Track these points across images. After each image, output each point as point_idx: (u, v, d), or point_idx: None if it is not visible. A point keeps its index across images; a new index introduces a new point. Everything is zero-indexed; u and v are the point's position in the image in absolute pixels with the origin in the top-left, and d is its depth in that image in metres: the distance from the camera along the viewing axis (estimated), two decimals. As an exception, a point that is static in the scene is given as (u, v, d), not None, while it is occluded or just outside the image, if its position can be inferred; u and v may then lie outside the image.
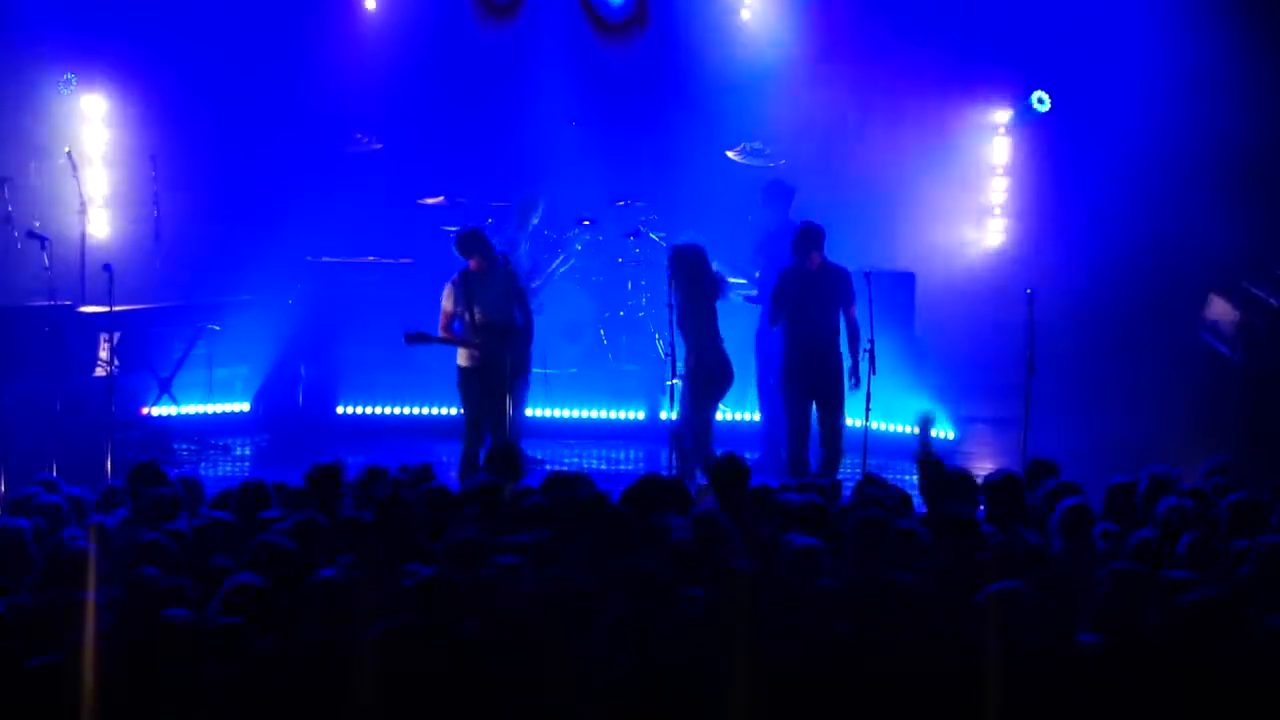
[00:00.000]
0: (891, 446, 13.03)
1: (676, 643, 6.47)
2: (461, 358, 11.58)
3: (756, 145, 14.93)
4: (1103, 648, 6.49)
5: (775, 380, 12.26)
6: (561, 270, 14.89)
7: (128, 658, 6.35)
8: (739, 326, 13.32)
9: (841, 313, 11.67)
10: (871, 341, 11.47)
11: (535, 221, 13.86)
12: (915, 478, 9.62)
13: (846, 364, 11.62)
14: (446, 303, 11.50)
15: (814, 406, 11.72)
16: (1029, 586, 6.71)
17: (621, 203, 14.84)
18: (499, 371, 11.45)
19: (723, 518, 7.81)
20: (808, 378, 11.67)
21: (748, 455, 13.09)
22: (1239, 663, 6.34)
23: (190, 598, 6.90)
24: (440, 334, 11.50)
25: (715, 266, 11.79)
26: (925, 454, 9.22)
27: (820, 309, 11.65)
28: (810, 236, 11.67)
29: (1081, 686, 6.32)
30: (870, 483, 8.97)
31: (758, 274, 13.39)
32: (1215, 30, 14.32)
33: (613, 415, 14.44)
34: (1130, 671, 6.35)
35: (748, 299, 13.41)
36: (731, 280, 12.73)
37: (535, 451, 12.93)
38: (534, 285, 13.63)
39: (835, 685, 6.34)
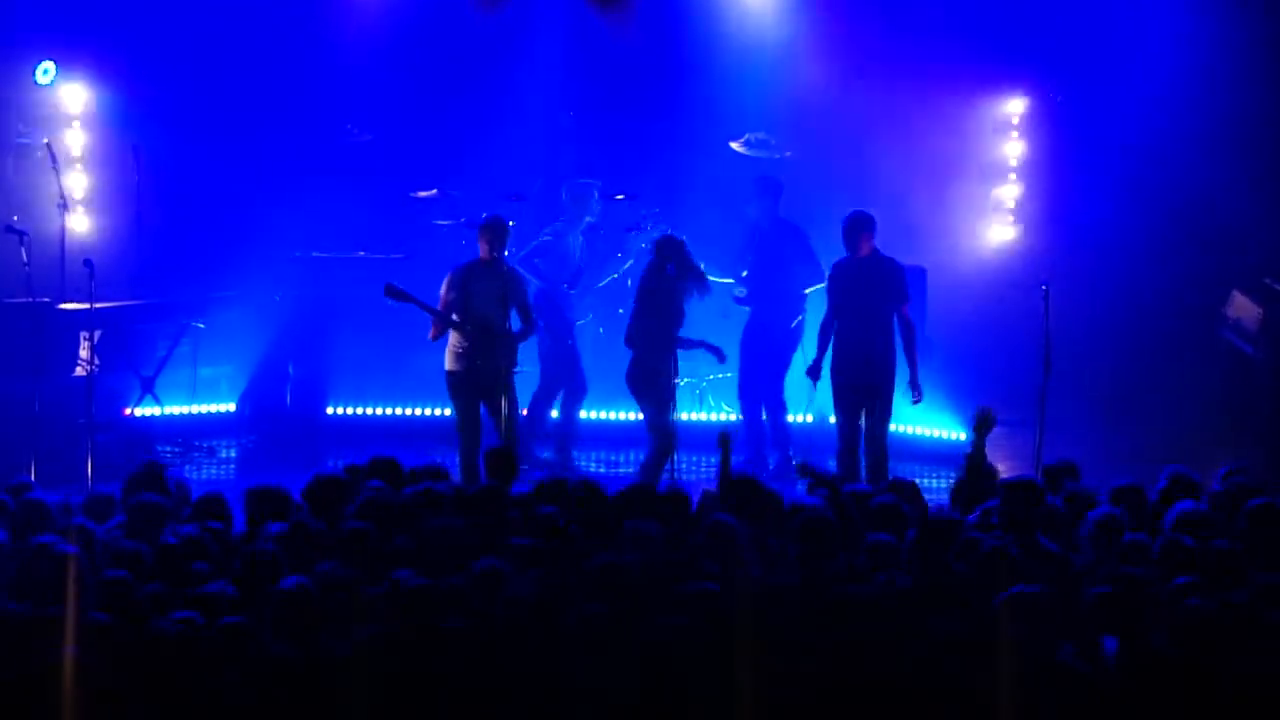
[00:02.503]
0: (896, 449, 12.60)
1: (671, 650, 6.45)
2: (448, 361, 11.45)
3: (761, 136, 14.67)
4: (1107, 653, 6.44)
5: (761, 381, 12.24)
6: (616, 275, 14.55)
7: (110, 667, 6.27)
8: (732, 325, 13.18)
9: (895, 312, 11.24)
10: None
11: (590, 219, 13.71)
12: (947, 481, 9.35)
13: (902, 371, 11.24)
14: (444, 289, 11.43)
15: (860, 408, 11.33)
16: (1046, 594, 6.61)
17: (621, 196, 14.56)
18: (487, 374, 11.29)
19: (740, 527, 7.62)
20: (855, 378, 11.24)
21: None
22: (1245, 668, 6.29)
23: (173, 606, 6.77)
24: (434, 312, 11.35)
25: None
26: (978, 458, 8.83)
27: (869, 304, 11.24)
28: (859, 224, 11.30)
29: (1085, 690, 6.27)
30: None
31: (745, 273, 13.24)
32: (1235, 19, 14.17)
33: (612, 416, 14.28)
34: (1134, 677, 6.33)
35: (737, 299, 13.28)
36: (720, 280, 12.61)
37: (545, 453, 13.02)
38: (576, 286, 13.50)
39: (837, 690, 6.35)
